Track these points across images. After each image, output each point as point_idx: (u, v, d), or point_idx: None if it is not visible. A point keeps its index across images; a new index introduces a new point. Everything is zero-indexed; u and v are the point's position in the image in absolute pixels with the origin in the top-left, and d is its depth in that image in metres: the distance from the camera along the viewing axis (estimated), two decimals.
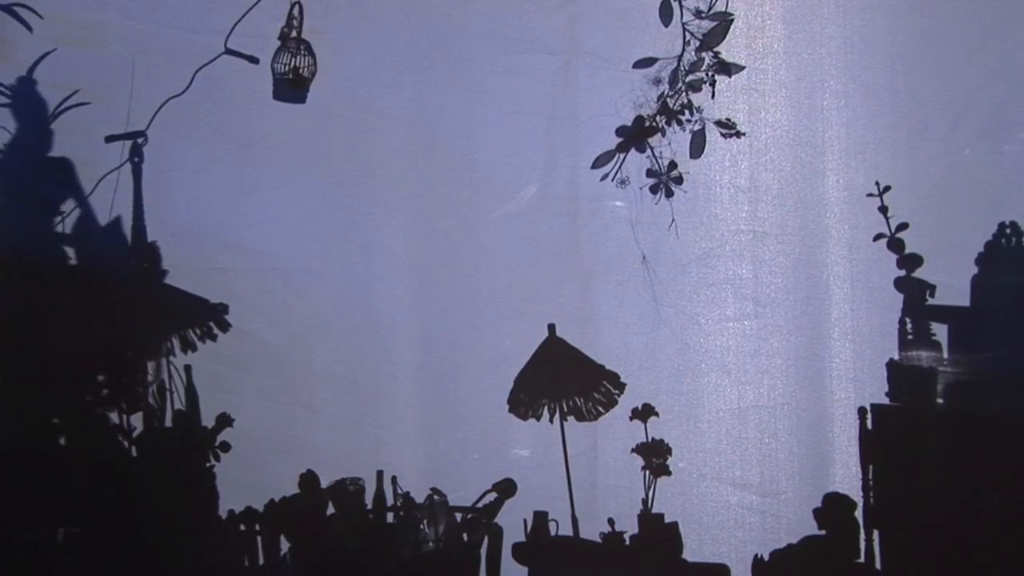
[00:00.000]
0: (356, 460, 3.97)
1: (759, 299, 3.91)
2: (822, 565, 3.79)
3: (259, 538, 3.95)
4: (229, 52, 3.94)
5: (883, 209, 3.83)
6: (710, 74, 3.84)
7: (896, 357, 3.83)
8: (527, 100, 3.98)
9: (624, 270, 3.94)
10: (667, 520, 3.87)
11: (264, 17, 3.94)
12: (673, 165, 3.89)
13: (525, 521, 3.90)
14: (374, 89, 4.00)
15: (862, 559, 3.79)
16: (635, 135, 3.89)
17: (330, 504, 3.94)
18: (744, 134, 3.88)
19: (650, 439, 3.90)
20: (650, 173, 3.90)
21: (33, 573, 3.88)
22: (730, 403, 3.91)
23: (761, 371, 3.90)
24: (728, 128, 3.88)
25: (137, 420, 4.00)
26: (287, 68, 3.93)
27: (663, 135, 3.88)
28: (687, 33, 3.83)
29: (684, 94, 3.85)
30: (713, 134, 3.89)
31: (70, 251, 4.02)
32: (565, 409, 3.97)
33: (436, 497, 3.91)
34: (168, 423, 4.00)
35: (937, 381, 3.79)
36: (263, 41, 3.95)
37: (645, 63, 3.86)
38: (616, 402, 3.95)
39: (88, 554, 3.90)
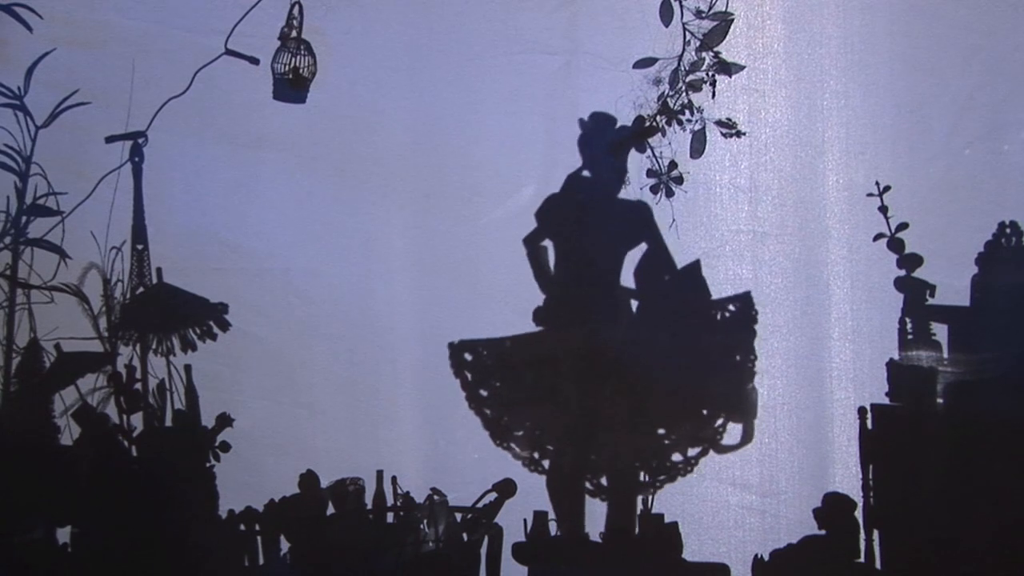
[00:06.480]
0: (356, 460, 3.97)
1: (759, 299, 3.91)
2: (822, 565, 3.79)
3: (259, 538, 3.95)
4: (229, 52, 3.94)
5: (883, 209, 3.83)
6: (710, 74, 3.84)
7: (896, 357, 3.83)
8: (527, 100, 3.98)
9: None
10: (667, 520, 3.87)
11: (264, 17, 3.94)
12: (673, 165, 3.89)
13: (525, 521, 3.90)
14: (374, 89, 4.00)
15: (862, 559, 3.79)
16: (635, 135, 3.89)
17: (330, 504, 3.94)
18: (744, 134, 3.88)
19: None
20: (650, 173, 3.90)
21: (33, 573, 3.88)
22: None
23: (761, 371, 3.90)
24: (728, 128, 3.88)
25: (137, 420, 4.00)
26: (287, 68, 3.93)
27: (663, 135, 3.88)
28: (687, 33, 3.83)
29: (684, 94, 3.85)
30: (713, 134, 3.89)
31: None
32: None
33: (436, 497, 3.90)
34: (168, 423, 4.00)
35: (937, 381, 3.79)
36: (263, 41, 3.95)
37: (645, 63, 3.86)
38: None
39: (88, 554, 3.89)
